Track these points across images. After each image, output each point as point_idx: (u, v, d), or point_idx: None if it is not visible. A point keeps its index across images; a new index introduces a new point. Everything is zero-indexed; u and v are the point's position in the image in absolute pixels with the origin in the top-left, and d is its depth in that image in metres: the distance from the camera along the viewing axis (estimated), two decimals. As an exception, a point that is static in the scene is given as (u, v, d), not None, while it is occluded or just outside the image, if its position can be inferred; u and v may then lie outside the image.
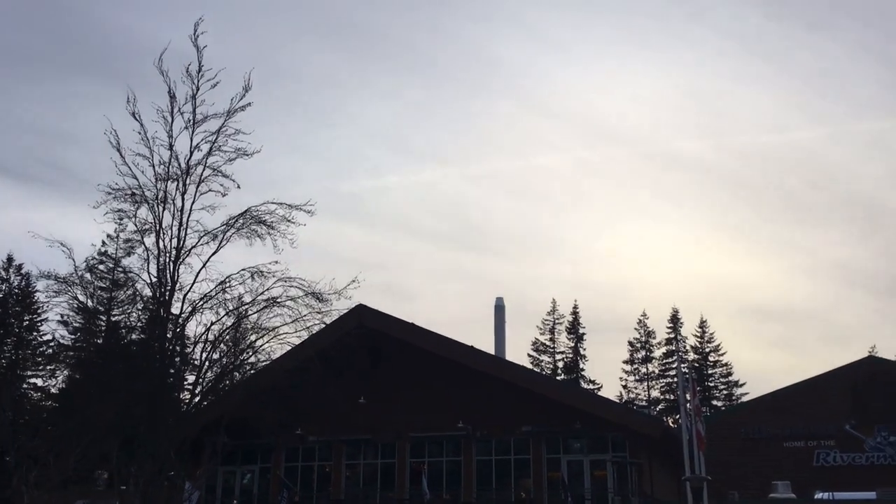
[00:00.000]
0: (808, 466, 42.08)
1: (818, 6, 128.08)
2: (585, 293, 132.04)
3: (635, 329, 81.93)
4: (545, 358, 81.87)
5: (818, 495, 34.07)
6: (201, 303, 22.37)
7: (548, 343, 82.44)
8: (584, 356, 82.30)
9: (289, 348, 28.09)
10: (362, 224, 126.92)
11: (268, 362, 30.80)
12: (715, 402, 75.72)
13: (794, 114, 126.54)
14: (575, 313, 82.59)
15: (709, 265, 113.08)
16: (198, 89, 21.94)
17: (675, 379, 26.09)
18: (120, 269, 21.34)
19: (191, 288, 21.72)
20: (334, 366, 33.79)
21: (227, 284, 22.32)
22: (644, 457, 33.13)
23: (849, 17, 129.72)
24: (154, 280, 21.37)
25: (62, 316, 22.58)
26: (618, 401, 65.64)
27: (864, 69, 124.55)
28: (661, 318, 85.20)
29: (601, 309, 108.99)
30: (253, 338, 22.27)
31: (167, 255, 21.55)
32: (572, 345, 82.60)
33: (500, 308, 47.28)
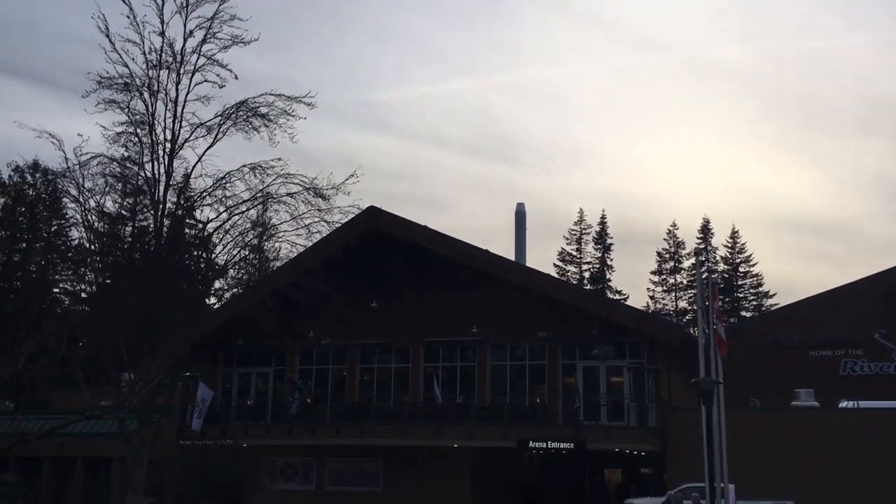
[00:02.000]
0: (834, 375, 41.16)
1: None
2: (615, 205, 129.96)
3: (664, 240, 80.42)
4: (571, 268, 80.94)
5: (843, 404, 33.30)
6: (199, 199, 21.54)
7: (574, 253, 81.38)
8: (611, 267, 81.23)
9: (298, 251, 27.35)
10: (390, 135, 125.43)
11: (276, 265, 30.28)
12: (744, 314, 74.65)
13: (836, 21, 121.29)
14: (603, 223, 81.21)
15: (744, 176, 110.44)
16: (190, -31, 20.63)
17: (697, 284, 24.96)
18: (114, 161, 20.35)
19: (186, 183, 20.87)
20: (346, 270, 33.28)
21: (226, 181, 21.41)
22: (662, 363, 32.38)
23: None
24: (148, 174, 20.53)
25: (85, 221, 21.83)
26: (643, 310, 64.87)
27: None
28: (691, 230, 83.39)
29: (631, 220, 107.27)
30: (250, 236, 21.38)
31: (162, 147, 20.68)
32: (599, 255, 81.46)
33: (520, 214, 46.29)
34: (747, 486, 26.62)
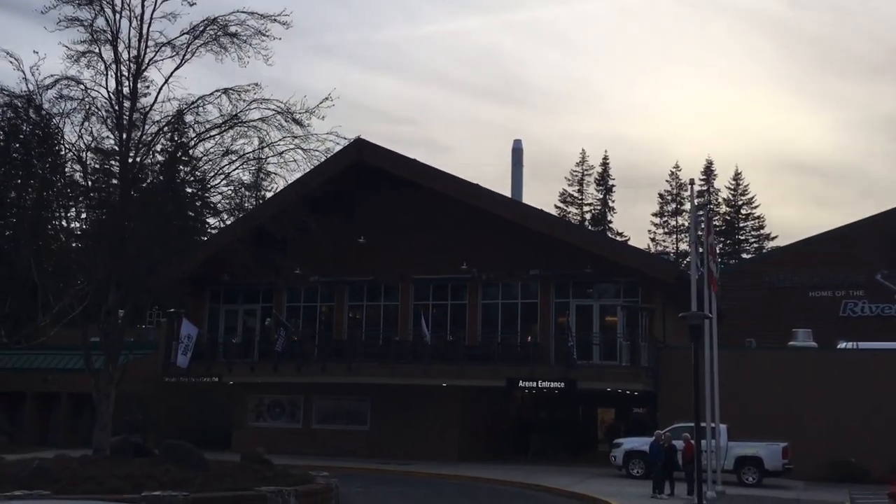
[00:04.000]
0: (834, 316, 40.43)
1: None
2: (619, 147, 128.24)
3: (667, 181, 79.36)
4: (573, 209, 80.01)
5: (841, 345, 32.60)
6: (167, 126, 20.41)
7: (575, 194, 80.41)
8: (613, 209, 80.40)
9: (280, 186, 26.32)
10: (393, 75, 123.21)
11: (258, 199, 29.29)
12: (745, 256, 73.81)
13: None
14: (605, 164, 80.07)
15: (750, 118, 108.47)
16: None
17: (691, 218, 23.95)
18: (79, 84, 19.18)
19: (151, 107, 19.74)
20: (333, 204, 32.28)
21: (198, 105, 20.26)
22: (658, 302, 31.58)
23: None
24: (112, 96, 19.40)
25: (79, 156, 20.83)
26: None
27: None
28: (695, 172, 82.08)
29: (634, 163, 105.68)
30: (224, 162, 20.31)
31: (127, 66, 19.53)
32: (601, 197, 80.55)
33: (517, 151, 45.15)
34: (741, 428, 26.03)
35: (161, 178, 22.97)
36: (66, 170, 21.97)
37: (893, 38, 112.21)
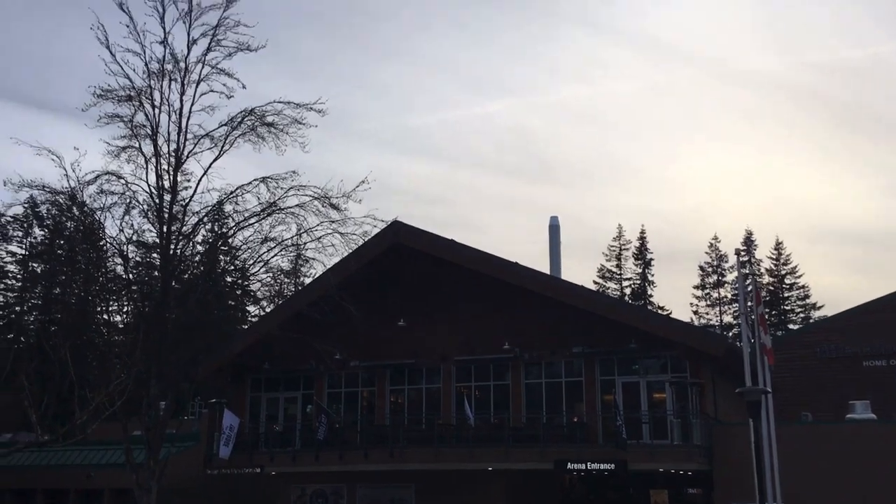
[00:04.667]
0: (890, 386, 38.95)
1: None
2: (655, 221, 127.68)
3: (706, 253, 78.47)
4: (611, 285, 79.23)
5: (901, 416, 31.25)
6: (207, 217, 20.58)
7: (614, 270, 79.72)
8: (652, 282, 79.45)
9: (318, 270, 26.37)
10: (426, 158, 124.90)
11: (299, 286, 29.35)
12: (792, 326, 72.15)
13: (875, 27, 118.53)
14: (642, 238, 79.53)
15: (786, 188, 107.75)
16: (195, -25, 19.84)
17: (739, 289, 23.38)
18: (120, 178, 19.50)
19: (191, 198, 19.94)
20: (372, 287, 32.21)
21: (237, 195, 20.47)
22: (707, 377, 30.65)
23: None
24: (153, 189, 19.64)
25: (120, 249, 21.10)
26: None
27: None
28: (733, 243, 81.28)
29: (671, 236, 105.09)
30: (263, 250, 20.35)
31: (167, 159, 19.81)
32: (639, 271, 79.74)
33: (554, 227, 44.96)
34: (801, 507, 24.79)
35: (201, 268, 23.11)
36: (109, 264, 22.18)
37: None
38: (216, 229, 22.87)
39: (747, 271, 48.66)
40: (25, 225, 61.97)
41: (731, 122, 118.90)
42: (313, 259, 22.85)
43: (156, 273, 24.25)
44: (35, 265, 63.06)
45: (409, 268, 33.09)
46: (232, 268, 23.93)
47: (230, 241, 21.83)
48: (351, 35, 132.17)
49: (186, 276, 23.23)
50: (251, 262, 21.37)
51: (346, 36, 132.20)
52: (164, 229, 19.83)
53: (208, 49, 20.11)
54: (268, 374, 35.58)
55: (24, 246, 63.10)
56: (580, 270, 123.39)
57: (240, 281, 24.46)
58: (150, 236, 21.60)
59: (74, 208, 21.98)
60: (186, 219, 20.29)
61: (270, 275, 22.08)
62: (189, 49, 20.02)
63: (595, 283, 77.36)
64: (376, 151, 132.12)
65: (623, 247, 79.32)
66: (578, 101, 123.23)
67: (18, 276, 62.32)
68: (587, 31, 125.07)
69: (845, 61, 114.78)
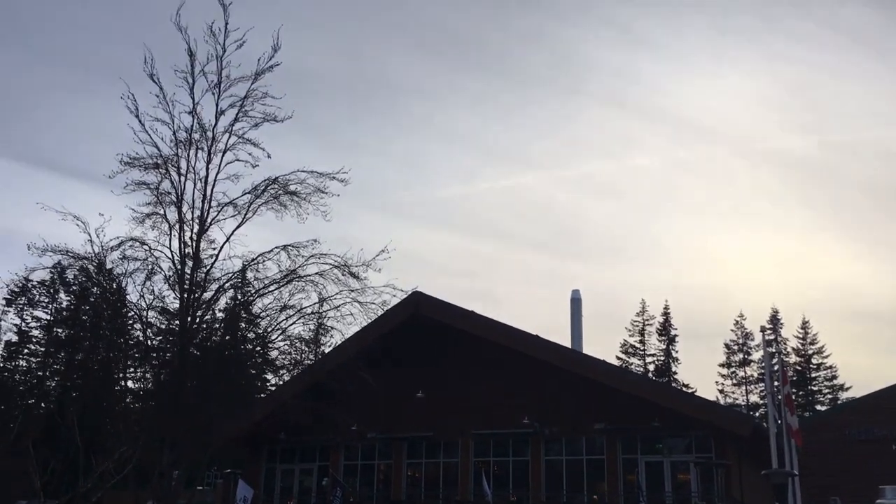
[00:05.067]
0: (921, 471, 37.74)
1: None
2: (680, 297, 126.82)
3: (732, 331, 77.61)
4: (635, 360, 78.37)
5: (934, 503, 30.13)
6: (228, 283, 20.59)
7: (637, 345, 78.93)
8: (677, 359, 78.45)
9: (338, 340, 26.17)
10: (453, 230, 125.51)
11: (315, 356, 29.13)
12: (819, 408, 70.66)
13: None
14: (666, 314, 78.86)
15: (812, 267, 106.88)
16: (224, 50, 20.26)
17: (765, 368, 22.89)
18: (144, 244, 19.62)
19: (213, 265, 19.97)
20: (391, 358, 31.92)
21: (258, 263, 20.50)
22: (733, 457, 29.81)
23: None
24: (175, 256, 19.70)
25: (139, 315, 21.15)
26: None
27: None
28: (759, 321, 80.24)
29: (696, 312, 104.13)
30: (281, 318, 20.26)
31: (190, 226, 19.93)
32: (663, 347, 78.86)
33: (576, 300, 44.58)
34: None
35: (220, 335, 23.01)
36: (131, 331, 22.16)
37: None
38: (238, 297, 22.85)
39: (773, 350, 47.88)
40: (52, 290, 62.50)
41: (757, 200, 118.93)
42: (332, 328, 22.67)
43: (172, 339, 24.16)
44: (59, 331, 63.35)
45: (429, 339, 32.81)
46: (252, 335, 23.81)
47: (251, 308, 21.76)
48: (377, 107, 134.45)
49: (207, 343, 23.14)
50: (269, 329, 21.23)
51: (373, 108, 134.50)
52: (185, 296, 19.82)
53: (235, 119, 20.40)
54: (283, 444, 35.12)
55: (49, 311, 63.54)
56: (603, 345, 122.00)
57: (259, 349, 24.31)
58: (172, 303, 21.55)
59: (102, 275, 22.04)
60: (208, 285, 20.30)
61: (288, 342, 21.87)
62: (217, 119, 20.33)
63: (618, 358, 76.54)
64: (400, 223, 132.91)
65: (647, 322, 78.68)
66: (603, 176, 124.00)
67: (43, 342, 62.56)
68: (613, 107, 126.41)
69: (871, 141, 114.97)
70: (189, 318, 20.10)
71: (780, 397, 21.66)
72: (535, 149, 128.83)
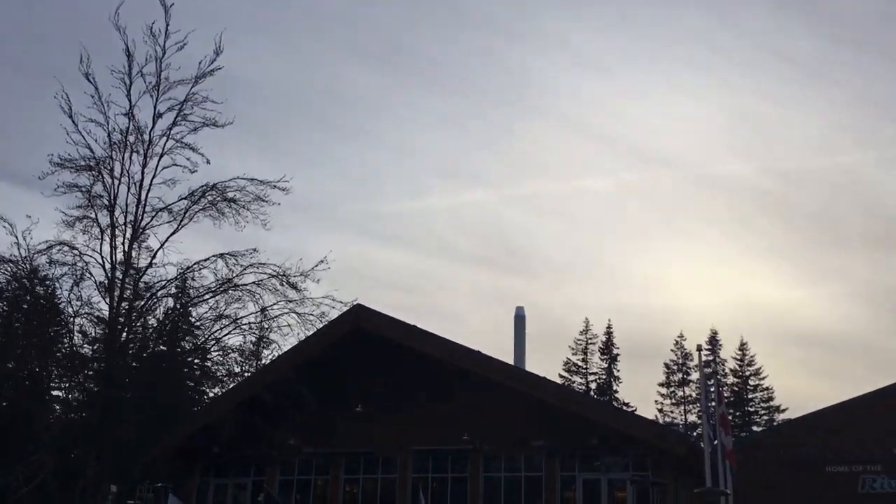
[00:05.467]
0: (852, 493, 38.44)
1: (867, 25, 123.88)
2: (623, 317, 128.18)
3: (672, 351, 78.57)
4: (577, 379, 78.80)
5: (864, 524, 30.71)
6: (161, 291, 20.00)
7: (580, 363, 79.44)
8: (618, 378, 79.16)
9: (276, 354, 25.67)
10: (401, 246, 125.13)
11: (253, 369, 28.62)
12: (755, 428, 71.77)
13: (843, 136, 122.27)
14: (609, 333, 79.53)
15: (752, 291, 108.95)
16: (164, 52, 19.81)
17: (701, 386, 23.07)
18: (69, 248, 18.97)
19: (145, 271, 19.38)
20: (330, 372, 31.50)
21: (194, 271, 19.96)
22: (669, 476, 29.96)
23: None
24: (106, 261, 19.09)
25: (80, 326, 20.42)
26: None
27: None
28: (700, 342, 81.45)
29: (639, 332, 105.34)
30: (215, 328, 19.74)
31: (123, 231, 19.36)
32: (605, 366, 79.49)
33: (520, 318, 44.50)
34: None
35: (153, 345, 22.40)
36: (63, 339, 21.45)
37: (886, 213, 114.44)
38: (177, 306, 22.25)
39: (710, 369, 48.50)
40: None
41: (701, 223, 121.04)
42: (268, 340, 22.21)
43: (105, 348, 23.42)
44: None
45: (370, 353, 32.41)
46: (190, 346, 23.21)
47: (189, 317, 21.21)
48: (326, 120, 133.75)
49: (142, 353, 22.50)
50: (203, 339, 20.70)
51: (322, 120, 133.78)
52: (116, 304, 19.20)
53: (174, 123, 19.95)
54: (218, 458, 34.26)
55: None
56: (547, 363, 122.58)
57: (194, 360, 23.73)
58: (103, 311, 20.87)
59: (36, 283, 21.28)
60: (141, 293, 19.70)
61: (221, 353, 21.33)
62: (154, 122, 19.85)
63: (561, 376, 76.94)
64: (348, 237, 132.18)
65: (590, 341, 79.27)
66: (552, 196, 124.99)
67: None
68: (564, 128, 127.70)
69: (813, 169, 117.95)
70: (119, 327, 19.48)
71: (715, 416, 21.80)
72: (486, 167, 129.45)
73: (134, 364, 21.30)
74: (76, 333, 20.78)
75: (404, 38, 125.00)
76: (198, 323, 20.13)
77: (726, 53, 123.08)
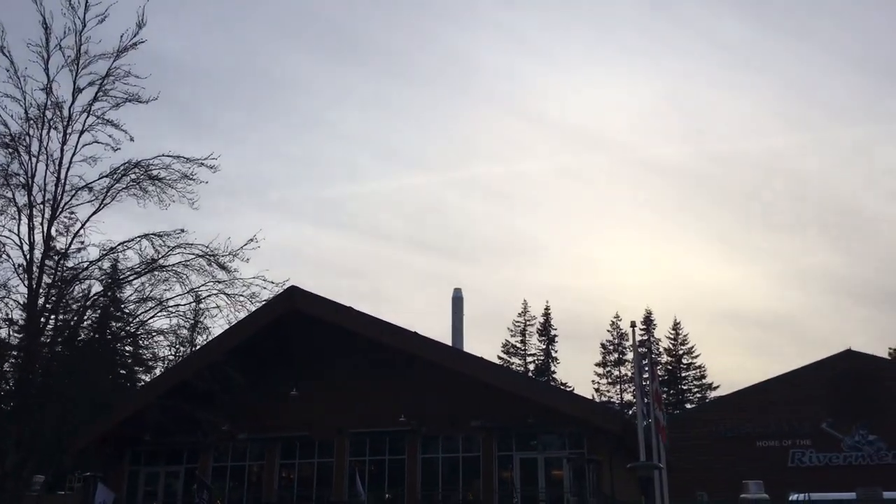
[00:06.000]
0: (782, 467, 39.52)
1: (798, 13, 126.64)
2: (560, 299, 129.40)
3: (608, 331, 79.56)
4: (516, 360, 79.32)
5: (793, 497, 31.47)
6: (86, 271, 19.23)
7: (518, 345, 79.93)
8: (556, 359, 79.91)
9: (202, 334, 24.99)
10: (341, 230, 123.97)
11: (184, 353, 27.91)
12: (688, 406, 73.19)
13: (774, 120, 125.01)
14: (547, 315, 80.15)
15: (686, 271, 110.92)
16: (84, 24, 18.96)
17: (634, 362, 23.21)
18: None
19: (66, 252, 18.59)
20: (265, 355, 30.96)
21: (118, 252, 19.25)
22: (605, 454, 30.17)
23: (828, 24, 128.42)
24: (24, 242, 18.27)
25: (6, 313, 19.44)
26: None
27: (843, 76, 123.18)
28: (635, 322, 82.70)
29: (575, 314, 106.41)
30: (140, 311, 19.06)
31: (41, 210, 18.54)
32: (543, 347, 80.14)
33: (457, 299, 44.49)
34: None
35: (79, 330, 21.57)
36: None
37: (815, 195, 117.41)
38: (105, 290, 21.42)
39: (644, 349, 49.08)
40: None
41: (636, 205, 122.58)
42: (204, 326, 21.56)
43: (44, 339, 22.47)
44: None
45: (306, 336, 31.94)
46: (119, 331, 22.43)
47: (107, 299, 20.41)
48: (262, 102, 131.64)
49: (69, 338, 21.65)
50: (132, 325, 19.98)
51: (257, 102, 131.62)
52: (34, 286, 18.41)
53: (95, 98, 19.12)
54: (149, 446, 33.47)
55: None
56: (486, 346, 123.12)
57: (118, 344, 22.94)
58: (23, 294, 19.96)
59: None
60: (65, 275, 18.91)
61: (146, 337, 20.64)
62: (74, 97, 19.01)
63: (500, 357, 77.35)
64: (286, 220, 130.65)
65: (528, 322, 79.76)
66: (490, 178, 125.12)
67: None
68: (503, 112, 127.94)
69: (746, 151, 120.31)
70: (40, 310, 18.69)
71: (649, 393, 21.98)
72: (424, 150, 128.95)
73: (59, 350, 20.45)
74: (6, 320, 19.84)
75: (340, 20, 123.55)
76: (124, 307, 19.37)
77: (661, 38, 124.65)
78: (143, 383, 30.89)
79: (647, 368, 22.76)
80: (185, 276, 18.98)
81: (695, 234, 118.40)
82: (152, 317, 19.55)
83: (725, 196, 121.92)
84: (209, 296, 19.44)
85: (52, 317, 19.61)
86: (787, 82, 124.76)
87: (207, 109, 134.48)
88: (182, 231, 19.84)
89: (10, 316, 20.49)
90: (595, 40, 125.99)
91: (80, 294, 20.77)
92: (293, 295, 30.68)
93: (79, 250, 18.87)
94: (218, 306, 19.97)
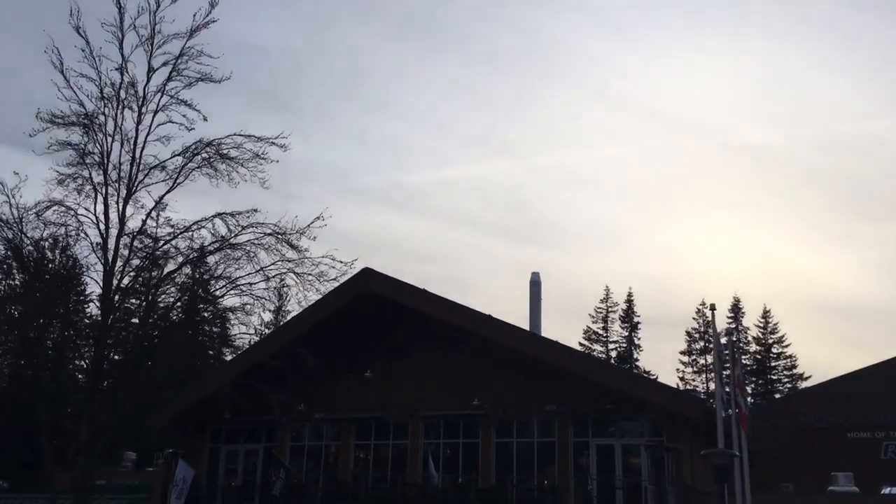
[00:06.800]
0: (874, 459, 37.73)
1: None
2: (645, 285, 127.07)
3: (693, 319, 77.72)
4: (598, 347, 78.33)
5: (885, 490, 30.05)
6: (158, 251, 19.50)
7: (600, 332, 78.90)
8: (639, 346, 78.61)
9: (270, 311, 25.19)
10: (422, 216, 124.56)
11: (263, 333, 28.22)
12: (778, 396, 70.94)
13: (869, 102, 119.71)
14: (630, 301, 78.86)
15: (776, 258, 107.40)
16: (157, 4, 19.16)
17: (713, 346, 22.33)
18: (65, 207, 18.53)
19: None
20: (340, 337, 31.10)
21: (192, 231, 19.46)
22: (684, 442, 29.32)
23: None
24: (100, 220, 18.61)
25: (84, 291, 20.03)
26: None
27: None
28: (722, 310, 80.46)
29: (660, 301, 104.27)
30: (213, 289, 19.23)
31: (116, 188, 18.86)
32: (626, 334, 78.90)
33: (535, 283, 43.84)
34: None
35: (143, 307, 21.83)
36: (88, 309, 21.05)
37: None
38: (194, 272, 21.70)
39: (727, 336, 47.71)
40: (5, 266, 60.63)
41: (725, 191, 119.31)
42: (264, 300, 21.52)
43: (134, 320, 22.94)
44: (13, 308, 61.51)
45: (380, 318, 31.94)
46: (209, 315, 22.79)
47: (207, 283, 20.58)
48: (352, 91, 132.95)
49: (160, 321, 22.04)
50: (221, 308, 20.23)
51: (348, 91, 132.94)
52: (110, 263, 18.78)
53: (169, 78, 19.31)
54: (229, 424, 34.12)
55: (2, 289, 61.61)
56: (567, 332, 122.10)
57: (214, 329, 23.33)
58: (98, 273, 20.36)
59: (58, 252, 20.86)
60: (135, 252, 19.23)
61: (214, 314, 20.86)
62: (148, 77, 19.24)
63: (581, 344, 76.48)
64: (371, 207, 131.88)
65: (610, 309, 78.64)
66: (575, 165, 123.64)
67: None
68: (586, 96, 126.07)
69: (839, 135, 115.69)
70: (114, 288, 19.05)
71: (731, 379, 21.13)
72: (505, 136, 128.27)
73: (136, 329, 20.81)
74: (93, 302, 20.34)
75: (422, 5, 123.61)
76: (189, 283, 19.59)
77: (751, 17, 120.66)
78: (221, 363, 31.44)
79: (726, 352, 21.84)
80: (254, 255, 19.07)
81: (786, 220, 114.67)
82: (222, 295, 19.74)
83: (819, 180, 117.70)
84: (277, 275, 19.47)
85: (130, 296, 19.95)
86: (885, 60, 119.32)
87: (286, 93, 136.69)
88: (255, 210, 19.92)
89: (88, 294, 20.98)
90: (683, 20, 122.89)
91: (156, 274, 21.08)
92: (367, 277, 30.70)
93: (154, 229, 19.15)
94: (287, 285, 19.99)
